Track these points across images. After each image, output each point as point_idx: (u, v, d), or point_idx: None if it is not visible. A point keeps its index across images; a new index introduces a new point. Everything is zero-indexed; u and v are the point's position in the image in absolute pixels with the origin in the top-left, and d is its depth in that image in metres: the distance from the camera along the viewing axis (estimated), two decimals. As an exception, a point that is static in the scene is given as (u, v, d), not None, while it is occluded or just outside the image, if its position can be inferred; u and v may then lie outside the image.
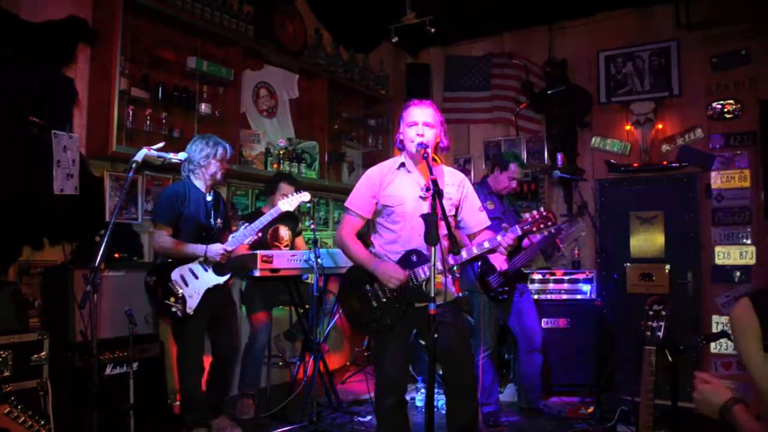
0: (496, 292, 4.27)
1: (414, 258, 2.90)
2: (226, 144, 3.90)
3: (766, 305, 1.70)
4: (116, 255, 3.99)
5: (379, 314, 2.91)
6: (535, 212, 2.86)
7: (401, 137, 3.01)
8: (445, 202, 2.77)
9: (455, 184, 3.05)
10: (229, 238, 3.83)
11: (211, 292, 3.75)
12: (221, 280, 3.78)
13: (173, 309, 3.64)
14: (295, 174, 5.29)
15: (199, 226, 3.79)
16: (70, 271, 3.60)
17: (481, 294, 4.28)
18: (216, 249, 3.74)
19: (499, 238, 2.85)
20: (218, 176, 3.86)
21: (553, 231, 4.50)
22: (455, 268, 4.82)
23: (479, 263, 4.28)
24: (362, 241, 3.11)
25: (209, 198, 3.88)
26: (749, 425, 1.68)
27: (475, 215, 3.09)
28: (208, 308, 3.78)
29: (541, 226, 2.86)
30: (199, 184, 3.84)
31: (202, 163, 3.79)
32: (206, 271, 3.75)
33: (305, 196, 4.03)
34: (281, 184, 4.67)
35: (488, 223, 3.13)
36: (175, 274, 3.68)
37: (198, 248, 3.72)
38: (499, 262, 4.20)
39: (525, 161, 4.64)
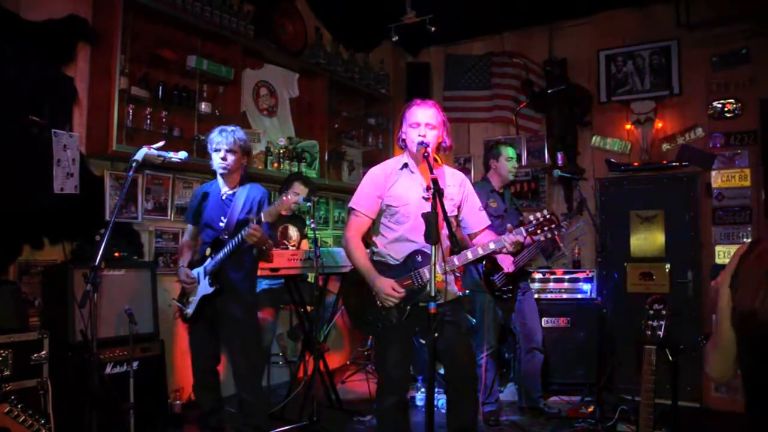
0: (501, 291, 4.27)
1: (419, 258, 2.90)
2: (227, 130, 3.52)
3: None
4: (116, 254, 3.98)
5: (384, 313, 2.91)
6: (539, 214, 2.86)
7: (403, 136, 3.02)
8: (446, 202, 2.78)
9: (456, 184, 3.07)
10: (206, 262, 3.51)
11: (206, 302, 3.50)
12: (209, 290, 3.46)
13: (183, 310, 3.60)
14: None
15: (211, 228, 3.57)
16: (70, 270, 3.59)
17: (483, 293, 4.28)
18: (181, 275, 3.56)
19: (503, 239, 2.85)
20: (218, 170, 3.54)
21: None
22: (456, 268, 4.83)
23: (483, 263, 4.28)
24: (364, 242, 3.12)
25: (225, 197, 3.59)
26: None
27: (475, 215, 3.10)
28: (207, 319, 3.55)
29: (545, 228, 2.85)
30: (220, 181, 3.63)
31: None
32: (204, 278, 3.50)
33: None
34: (295, 183, 4.67)
35: (488, 222, 3.15)
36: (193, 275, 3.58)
37: (180, 262, 3.64)
38: (506, 264, 4.20)
39: (515, 147, 4.72)
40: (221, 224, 3.51)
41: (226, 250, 3.39)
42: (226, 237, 3.45)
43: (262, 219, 3.25)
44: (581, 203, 4.58)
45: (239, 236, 3.31)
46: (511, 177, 4.52)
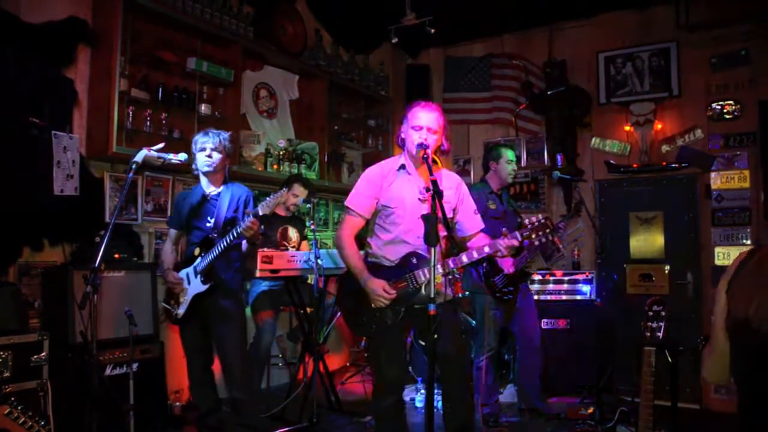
0: (502, 292, 4.27)
1: (414, 260, 2.91)
2: (212, 131, 3.56)
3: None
4: (116, 255, 3.99)
5: (379, 314, 2.92)
6: (534, 218, 2.87)
7: (403, 136, 3.03)
8: (443, 204, 2.80)
9: (452, 187, 3.08)
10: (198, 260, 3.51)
11: (198, 301, 3.50)
12: (202, 288, 3.46)
13: (172, 312, 3.61)
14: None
15: (198, 229, 3.58)
16: (70, 272, 3.60)
17: (484, 294, 4.28)
18: (169, 276, 3.55)
19: (498, 243, 2.86)
20: (203, 169, 3.54)
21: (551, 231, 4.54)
22: (455, 269, 4.84)
23: (485, 264, 4.28)
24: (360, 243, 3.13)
25: (209, 197, 3.60)
26: None
27: (471, 218, 3.12)
28: (198, 318, 3.54)
29: (540, 233, 2.87)
30: (204, 182, 3.64)
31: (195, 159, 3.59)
32: (195, 277, 3.50)
33: None
34: (295, 185, 4.68)
35: (483, 225, 3.16)
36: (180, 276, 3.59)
37: (165, 266, 3.64)
38: (506, 265, 4.22)
39: (514, 149, 4.72)
40: (209, 224, 3.54)
41: (218, 248, 3.39)
42: (216, 236, 3.46)
43: (260, 212, 3.26)
44: (578, 204, 4.60)
45: (234, 231, 3.32)
46: (510, 180, 4.53)
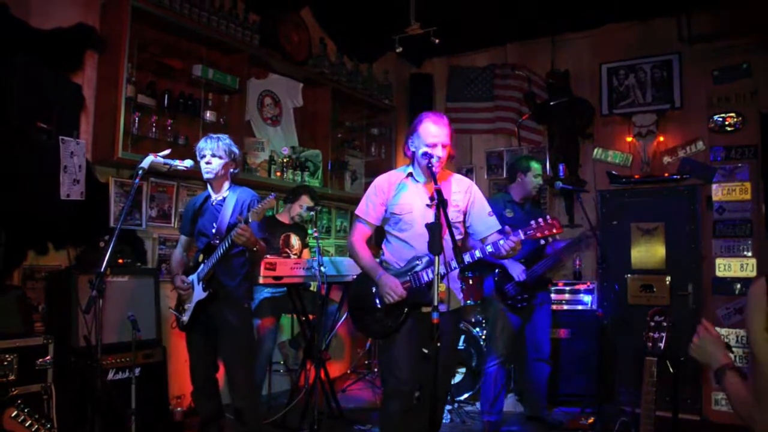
0: (514, 300, 4.27)
1: (419, 262, 2.98)
2: (212, 137, 3.53)
3: None
4: (120, 261, 4.00)
5: (381, 315, 2.98)
6: (540, 219, 2.88)
7: (413, 149, 3.05)
8: (451, 209, 2.84)
9: (461, 190, 3.12)
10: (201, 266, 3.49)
11: (202, 308, 3.47)
12: (202, 295, 3.44)
13: (179, 318, 3.60)
14: (298, 182, 5.33)
15: (204, 236, 3.57)
16: (74, 276, 3.61)
17: (497, 302, 4.28)
18: (176, 281, 3.54)
19: (501, 242, 2.86)
20: (204, 175, 3.51)
21: (579, 239, 4.56)
22: (466, 274, 4.85)
23: (497, 272, 4.28)
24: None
25: (215, 203, 3.58)
26: (738, 392, 1.74)
27: (483, 220, 3.13)
28: (202, 326, 3.52)
29: (546, 232, 2.87)
30: (209, 188, 3.62)
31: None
32: (198, 284, 3.49)
33: None
34: (303, 196, 4.74)
35: (498, 226, 3.13)
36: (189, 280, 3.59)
37: (174, 270, 3.63)
38: (517, 272, 4.21)
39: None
40: (213, 230, 3.51)
41: (216, 254, 3.38)
42: (218, 242, 3.43)
43: (250, 218, 3.22)
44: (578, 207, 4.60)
45: (229, 239, 3.28)
46: (534, 192, 4.51)
